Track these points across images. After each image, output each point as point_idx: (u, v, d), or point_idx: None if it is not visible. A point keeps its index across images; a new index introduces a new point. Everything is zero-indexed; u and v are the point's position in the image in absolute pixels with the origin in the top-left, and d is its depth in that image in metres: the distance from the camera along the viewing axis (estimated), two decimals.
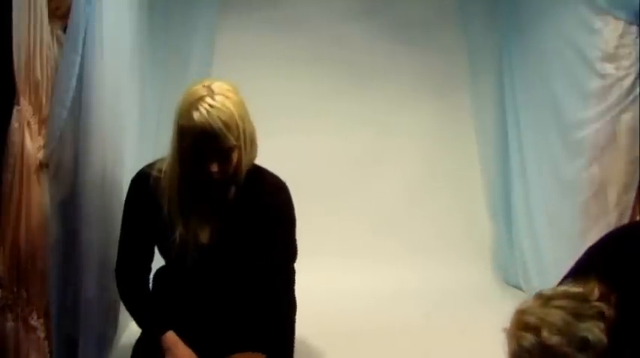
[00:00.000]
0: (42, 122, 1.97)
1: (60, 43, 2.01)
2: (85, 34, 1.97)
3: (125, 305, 2.01)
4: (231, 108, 1.74)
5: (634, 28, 2.34)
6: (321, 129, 3.28)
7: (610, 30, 2.36)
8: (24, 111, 1.92)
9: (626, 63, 2.36)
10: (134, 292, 1.98)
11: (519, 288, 3.18)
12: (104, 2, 2.03)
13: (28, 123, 1.94)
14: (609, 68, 2.35)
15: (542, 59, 2.79)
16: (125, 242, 1.98)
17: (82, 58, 1.97)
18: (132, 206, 1.96)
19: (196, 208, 1.88)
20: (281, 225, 1.96)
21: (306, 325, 2.48)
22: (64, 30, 2.00)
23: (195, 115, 1.71)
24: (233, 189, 1.91)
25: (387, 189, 3.36)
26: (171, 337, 1.90)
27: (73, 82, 1.97)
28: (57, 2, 1.98)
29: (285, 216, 1.97)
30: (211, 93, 1.74)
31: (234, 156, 1.79)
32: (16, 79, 1.90)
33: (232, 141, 1.74)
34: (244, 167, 1.85)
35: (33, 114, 1.94)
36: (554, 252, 2.70)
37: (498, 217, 3.34)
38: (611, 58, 2.36)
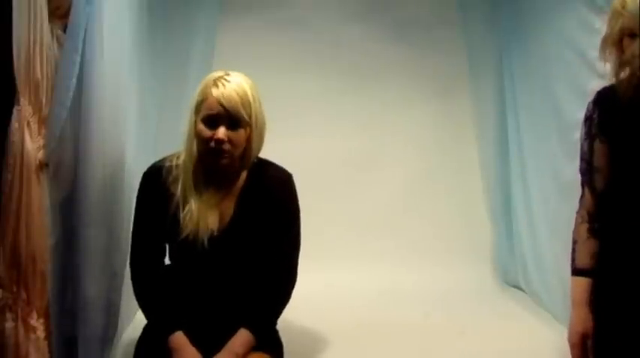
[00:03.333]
0: (42, 122, 1.97)
1: (60, 43, 2.01)
2: (85, 34, 1.97)
3: (137, 300, 2.02)
4: (246, 88, 1.87)
5: None
6: (320, 130, 3.28)
7: None
8: (24, 111, 1.92)
9: None
10: (147, 288, 1.99)
11: (519, 288, 3.18)
12: (104, 2, 2.03)
13: (28, 123, 1.93)
14: (609, 68, 2.34)
15: (542, 60, 2.79)
16: (139, 235, 2.00)
17: (82, 57, 1.97)
18: (145, 198, 1.99)
19: (208, 190, 1.92)
20: (285, 217, 2.00)
21: (305, 325, 2.49)
22: (64, 30, 2.00)
23: (214, 90, 1.85)
24: (242, 178, 1.97)
25: (387, 190, 3.36)
26: (179, 338, 1.90)
27: (73, 82, 1.97)
28: (57, 2, 1.98)
29: (290, 207, 2.01)
30: (228, 75, 1.88)
31: (243, 134, 1.88)
32: (16, 79, 1.89)
33: (243, 114, 1.85)
34: (252, 153, 1.93)
35: (33, 114, 1.94)
36: (554, 253, 2.70)
37: (498, 218, 3.34)
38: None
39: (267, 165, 2.02)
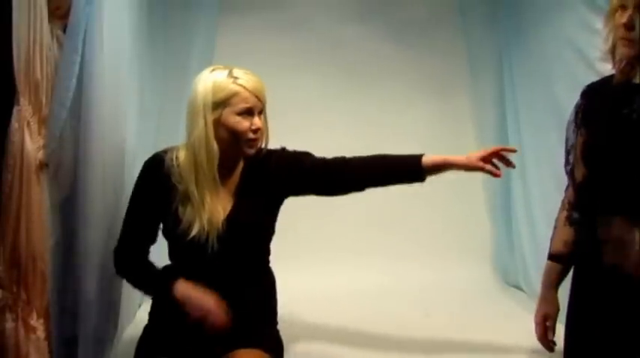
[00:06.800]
0: (42, 122, 1.97)
1: (60, 43, 2.01)
2: (85, 34, 1.97)
3: (127, 277, 2.04)
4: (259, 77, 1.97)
5: None
6: (320, 130, 3.27)
7: None
8: (24, 111, 1.93)
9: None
10: (134, 264, 2.00)
11: (519, 288, 3.18)
12: (104, 2, 2.03)
13: (28, 123, 1.94)
14: (609, 68, 2.34)
15: (542, 59, 2.79)
16: (131, 221, 2.00)
17: (82, 58, 1.97)
18: (145, 186, 1.98)
19: (215, 184, 1.94)
20: (297, 159, 2.07)
21: (306, 325, 2.49)
22: (64, 30, 2.00)
23: (243, 83, 1.91)
24: (239, 167, 2.01)
25: (386, 189, 3.35)
26: (181, 287, 1.90)
27: (73, 82, 1.97)
28: (57, 2, 1.98)
29: (295, 152, 2.09)
30: (233, 68, 1.94)
31: (263, 121, 1.97)
32: (16, 79, 1.90)
33: (265, 101, 1.96)
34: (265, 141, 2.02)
35: (33, 114, 1.95)
36: None
37: (498, 217, 3.34)
38: None
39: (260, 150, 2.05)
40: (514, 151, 2.07)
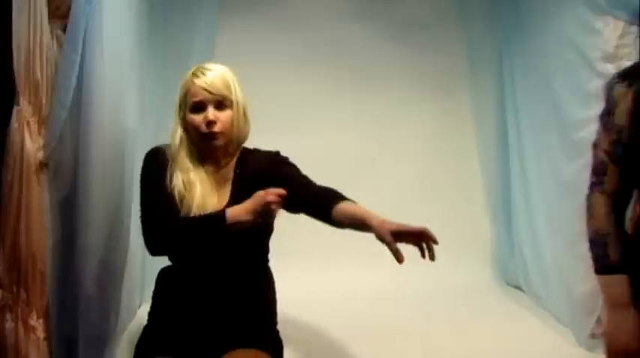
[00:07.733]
0: (42, 122, 1.97)
1: (60, 43, 2.01)
2: (85, 34, 1.98)
3: (179, 241, 1.89)
4: (224, 70, 1.95)
5: (634, 28, 2.34)
6: (320, 130, 3.28)
7: (610, 30, 2.36)
8: (24, 111, 1.93)
9: (626, 63, 2.35)
10: (180, 223, 1.89)
11: (519, 288, 3.18)
12: (104, 2, 2.03)
13: (28, 123, 1.94)
14: (609, 68, 2.34)
15: (543, 59, 2.79)
16: (154, 201, 1.91)
17: (82, 58, 1.98)
18: (152, 169, 1.95)
19: (204, 180, 1.94)
20: (284, 166, 2.01)
21: (305, 325, 2.49)
22: (64, 30, 2.00)
23: (195, 80, 1.91)
24: (232, 165, 1.99)
25: (386, 189, 3.35)
26: (229, 212, 1.85)
27: (73, 82, 1.97)
28: (57, 2, 1.99)
29: (284, 158, 2.03)
30: (203, 66, 1.96)
31: (230, 114, 1.92)
32: (16, 79, 1.90)
33: (227, 94, 1.91)
34: (239, 136, 1.96)
35: (33, 114, 1.95)
36: (554, 252, 2.70)
37: (498, 217, 3.34)
38: (611, 58, 2.35)
39: (254, 150, 2.04)
40: (435, 243, 1.80)
